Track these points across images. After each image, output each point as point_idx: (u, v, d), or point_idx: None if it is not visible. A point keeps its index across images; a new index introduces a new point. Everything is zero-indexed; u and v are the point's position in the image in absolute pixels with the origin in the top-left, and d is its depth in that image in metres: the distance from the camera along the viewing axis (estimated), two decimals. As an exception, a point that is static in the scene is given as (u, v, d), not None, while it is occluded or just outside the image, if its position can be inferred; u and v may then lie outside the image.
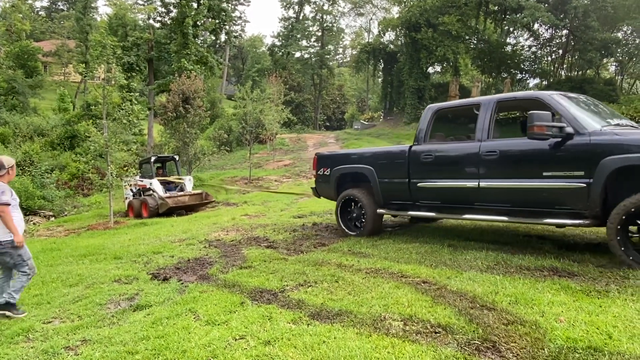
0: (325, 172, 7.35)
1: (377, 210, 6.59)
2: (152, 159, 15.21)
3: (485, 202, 5.36)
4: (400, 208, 6.46)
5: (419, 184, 5.97)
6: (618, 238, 4.26)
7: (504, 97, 5.72)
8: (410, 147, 6.19)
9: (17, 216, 4.63)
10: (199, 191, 15.37)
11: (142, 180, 14.85)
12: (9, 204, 4.51)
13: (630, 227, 4.26)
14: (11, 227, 4.51)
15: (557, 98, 4.97)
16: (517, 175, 5.00)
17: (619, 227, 4.24)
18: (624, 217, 4.20)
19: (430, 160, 5.87)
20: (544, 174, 4.72)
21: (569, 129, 4.55)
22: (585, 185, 4.40)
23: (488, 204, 5.35)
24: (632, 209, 4.13)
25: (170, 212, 13.74)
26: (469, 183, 5.41)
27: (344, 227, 7.03)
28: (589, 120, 4.73)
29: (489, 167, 5.22)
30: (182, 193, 14.63)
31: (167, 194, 14.23)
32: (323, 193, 7.63)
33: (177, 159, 16.39)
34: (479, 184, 5.29)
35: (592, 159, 4.35)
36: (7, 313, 4.52)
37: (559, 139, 4.59)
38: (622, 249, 4.26)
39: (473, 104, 6.00)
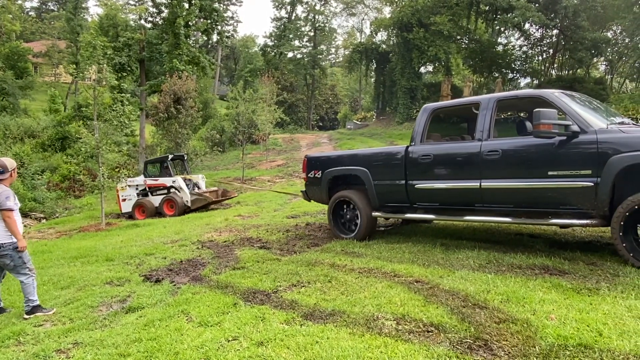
0: (316, 175, 7.13)
1: (372, 213, 6.37)
2: (170, 157, 15.10)
3: (486, 203, 5.23)
4: (397, 210, 6.31)
5: (416, 186, 5.81)
6: (621, 234, 4.22)
7: (504, 96, 5.57)
8: (407, 147, 6.01)
9: (17, 220, 4.75)
10: (215, 188, 15.50)
11: (155, 180, 14.58)
12: (13, 209, 4.65)
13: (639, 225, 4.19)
14: (15, 233, 4.66)
15: (560, 96, 4.89)
16: (520, 175, 4.87)
17: (622, 223, 4.19)
18: (627, 215, 4.15)
19: (428, 161, 5.71)
20: (549, 173, 4.62)
21: (575, 127, 4.49)
22: (592, 184, 4.33)
23: (490, 205, 5.22)
24: (636, 206, 4.09)
25: (197, 208, 13.76)
26: (469, 184, 5.27)
27: (337, 230, 6.86)
28: (593, 118, 4.66)
29: (491, 167, 5.09)
30: (204, 190, 14.67)
31: (200, 190, 14.27)
32: (314, 196, 7.41)
33: (186, 157, 16.31)
34: (480, 185, 5.16)
35: (600, 157, 4.28)
36: (39, 314, 4.60)
37: (564, 138, 4.52)
38: (624, 245, 4.25)
39: (472, 103, 5.86)
